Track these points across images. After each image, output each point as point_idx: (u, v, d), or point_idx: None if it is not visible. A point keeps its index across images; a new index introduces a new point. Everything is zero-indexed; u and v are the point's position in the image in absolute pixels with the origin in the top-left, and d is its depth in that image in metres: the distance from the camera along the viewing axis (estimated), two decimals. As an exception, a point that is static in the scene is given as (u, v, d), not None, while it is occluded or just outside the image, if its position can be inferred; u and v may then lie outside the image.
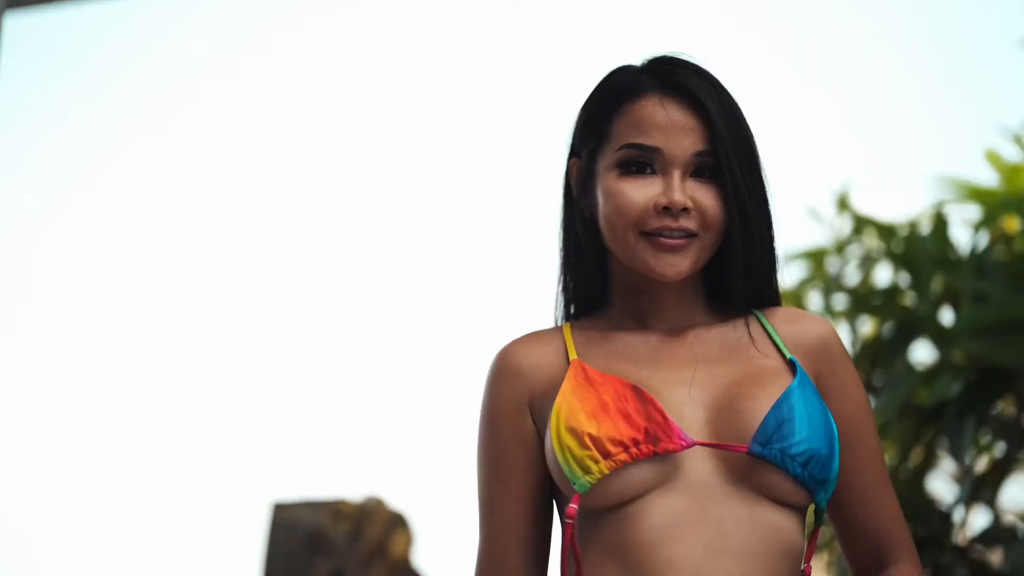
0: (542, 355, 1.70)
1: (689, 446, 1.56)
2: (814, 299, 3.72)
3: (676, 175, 1.63)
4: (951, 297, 3.18)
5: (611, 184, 1.65)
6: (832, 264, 3.76)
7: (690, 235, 1.63)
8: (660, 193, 1.62)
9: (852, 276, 3.70)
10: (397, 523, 4.59)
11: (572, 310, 1.78)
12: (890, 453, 3.47)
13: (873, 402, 3.44)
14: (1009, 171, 3.38)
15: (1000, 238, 3.15)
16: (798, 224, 3.91)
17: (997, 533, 2.87)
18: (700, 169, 1.64)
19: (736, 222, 1.64)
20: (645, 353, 1.68)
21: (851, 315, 3.54)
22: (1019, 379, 2.93)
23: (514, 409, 1.68)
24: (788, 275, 4.01)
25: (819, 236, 3.87)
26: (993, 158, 3.41)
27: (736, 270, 1.67)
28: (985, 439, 3.28)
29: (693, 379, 1.64)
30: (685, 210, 1.62)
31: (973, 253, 3.11)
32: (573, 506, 1.58)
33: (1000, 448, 3.18)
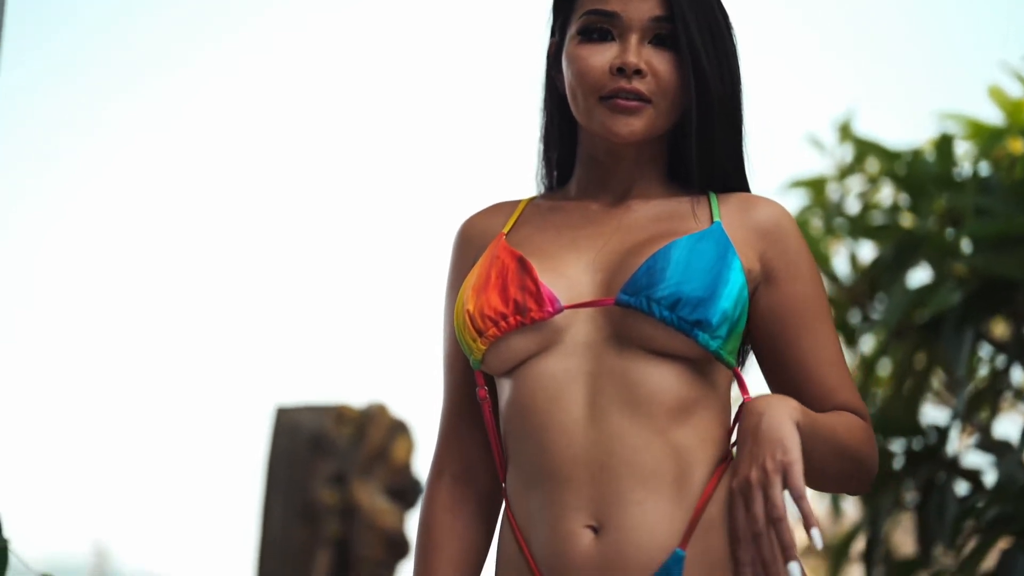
0: (491, 225, 1.78)
1: (557, 311, 1.60)
2: (815, 225, 3.72)
3: (633, 39, 1.66)
4: (952, 218, 3.19)
5: (572, 50, 1.70)
6: (833, 191, 3.76)
7: (644, 99, 1.65)
8: (616, 56, 1.66)
9: (853, 204, 3.70)
10: (399, 429, 4.62)
11: (551, 185, 1.83)
12: (887, 373, 3.50)
13: (870, 329, 3.45)
14: (1012, 107, 3.37)
15: (1005, 159, 3.15)
16: (799, 153, 3.92)
17: (990, 445, 2.90)
18: (660, 38, 1.67)
19: (693, 89, 1.66)
20: (576, 222, 1.72)
21: (851, 236, 3.54)
22: (1019, 292, 2.94)
23: (466, 275, 1.75)
24: (789, 203, 4.02)
25: (820, 165, 3.87)
26: (996, 94, 3.41)
27: (693, 138, 1.68)
28: (982, 364, 3.30)
29: (605, 244, 1.67)
30: (639, 72, 1.65)
31: (975, 175, 3.12)
32: (483, 389, 1.68)
33: (997, 364, 3.19)
